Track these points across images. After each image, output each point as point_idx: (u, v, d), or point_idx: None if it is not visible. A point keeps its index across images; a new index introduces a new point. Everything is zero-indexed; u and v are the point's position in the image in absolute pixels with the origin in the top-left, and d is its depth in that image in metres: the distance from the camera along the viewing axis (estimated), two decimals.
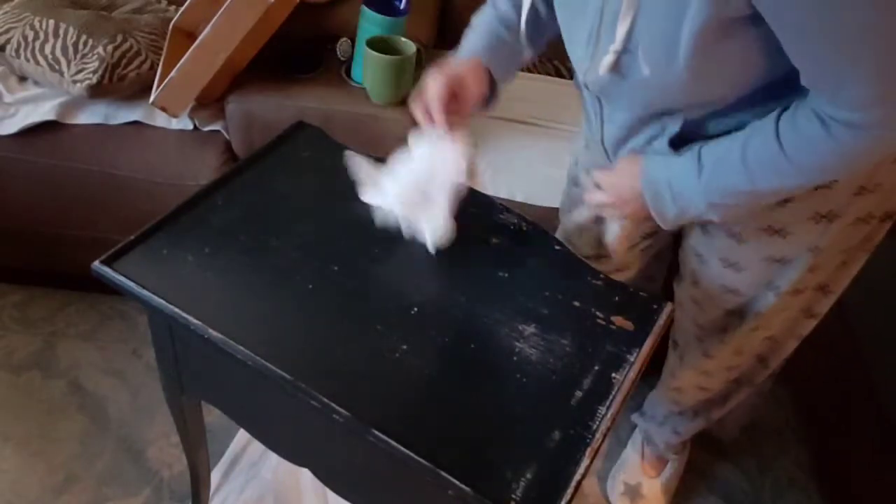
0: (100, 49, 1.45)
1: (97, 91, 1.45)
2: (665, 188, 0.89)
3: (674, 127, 0.89)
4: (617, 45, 0.80)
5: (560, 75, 1.80)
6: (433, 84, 0.93)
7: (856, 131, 0.75)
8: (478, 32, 1.02)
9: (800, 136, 0.79)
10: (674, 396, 1.33)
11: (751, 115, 0.84)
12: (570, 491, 0.75)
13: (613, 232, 1.12)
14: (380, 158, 1.05)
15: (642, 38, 0.78)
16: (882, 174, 0.90)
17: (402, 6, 1.51)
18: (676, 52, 0.76)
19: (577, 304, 0.94)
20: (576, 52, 0.91)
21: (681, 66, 0.77)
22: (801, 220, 0.94)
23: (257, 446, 1.44)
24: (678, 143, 0.90)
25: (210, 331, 0.84)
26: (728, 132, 0.86)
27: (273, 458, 1.41)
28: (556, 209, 1.33)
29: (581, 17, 0.86)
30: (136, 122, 1.52)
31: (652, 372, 1.39)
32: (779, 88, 0.81)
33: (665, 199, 0.90)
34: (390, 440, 0.77)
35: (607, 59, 0.82)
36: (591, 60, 0.87)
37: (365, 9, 1.48)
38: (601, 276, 0.98)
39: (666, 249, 1.26)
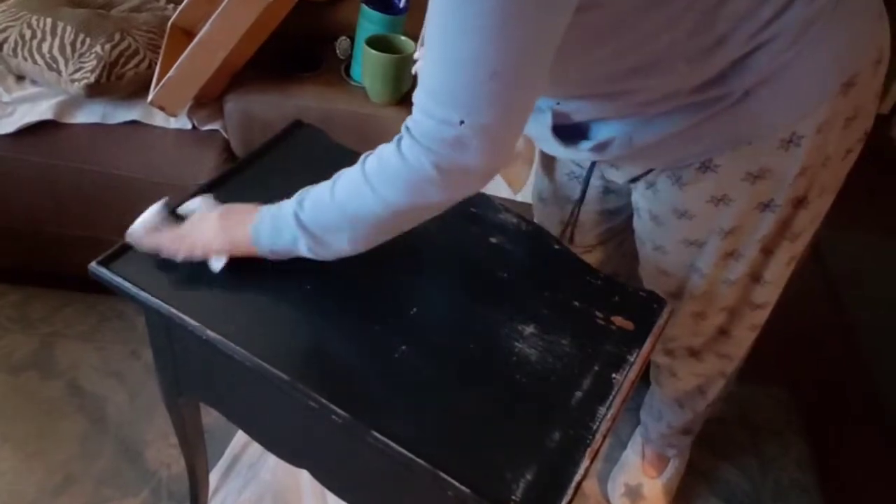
0: (98, 48, 1.44)
1: (95, 90, 1.44)
2: (267, 216, 0.88)
3: (546, 117, 0.94)
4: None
5: None
6: None
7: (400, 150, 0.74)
8: None
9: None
10: (653, 386, 1.37)
11: (598, 103, 0.90)
12: (570, 492, 0.75)
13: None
14: None
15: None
16: (767, 159, 0.90)
17: (401, 4, 1.51)
18: None
19: (576, 304, 0.94)
20: None
21: None
22: (701, 202, 0.96)
23: (256, 447, 1.44)
24: (561, 130, 0.95)
25: (208, 331, 0.84)
26: (591, 119, 0.92)
27: (272, 459, 1.41)
28: None
29: None
30: (134, 122, 1.51)
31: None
32: (612, 80, 0.85)
33: (264, 225, 0.87)
34: (390, 441, 0.76)
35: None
36: None
37: (364, 7, 1.48)
38: (601, 275, 0.98)
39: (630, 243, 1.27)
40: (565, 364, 0.86)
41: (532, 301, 0.93)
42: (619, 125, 0.91)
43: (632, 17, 0.76)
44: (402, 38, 1.47)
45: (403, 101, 1.50)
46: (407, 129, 0.74)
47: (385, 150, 0.77)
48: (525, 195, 1.47)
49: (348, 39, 1.59)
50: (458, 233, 1.02)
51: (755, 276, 1.06)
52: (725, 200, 0.95)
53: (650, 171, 0.99)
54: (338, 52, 1.59)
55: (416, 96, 0.73)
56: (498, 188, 1.48)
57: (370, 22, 1.47)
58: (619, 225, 1.21)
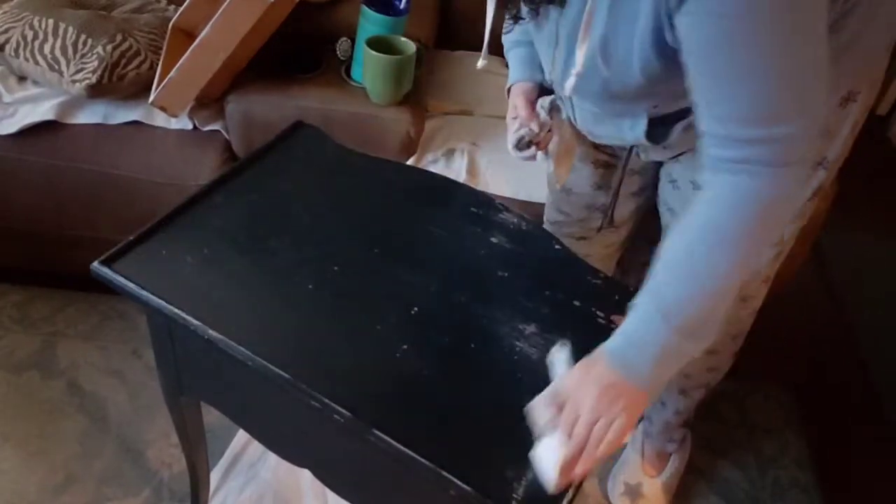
0: (99, 49, 1.44)
1: (96, 91, 1.45)
2: (625, 347, 0.79)
3: (642, 116, 0.94)
4: (578, 67, 0.84)
5: None
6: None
7: (750, 169, 0.73)
8: (511, 59, 1.11)
9: (705, 203, 0.77)
10: None
11: None
12: (570, 491, 0.75)
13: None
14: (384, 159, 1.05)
15: (601, 53, 0.83)
16: (828, 119, 0.94)
17: (401, 6, 1.51)
18: (631, 62, 0.81)
19: (577, 303, 0.94)
20: (542, 53, 0.99)
21: (636, 73, 0.82)
22: None
23: (257, 446, 1.44)
24: (650, 126, 0.95)
25: (209, 331, 0.84)
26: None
27: (272, 458, 1.41)
28: None
29: (542, 30, 0.94)
30: (135, 122, 1.51)
31: None
32: None
33: (631, 359, 0.78)
34: (391, 440, 0.77)
35: (570, 82, 0.86)
36: (553, 66, 0.94)
37: (365, 8, 1.48)
38: (601, 275, 0.98)
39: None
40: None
41: (532, 300, 0.93)
42: None
43: None
44: (403, 39, 1.47)
45: (404, 101, 1.50)
46: (762, 162, 0.73)
47: (749, 204, 0.74)
48: (527, 195, 1.47)
49: (349, 40, 1.59)
50: (459, 232, 1.02)
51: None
52: None
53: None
54: (338, 53, 1.60)
55: (748, 129, 0.72)
56: (498, 187, 1.48)
57: (371, 23, 1.48)
58: (643, 203, 1.24)
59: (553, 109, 1.06)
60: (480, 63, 0.98)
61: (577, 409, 0.76)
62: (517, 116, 1.06)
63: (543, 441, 0.77)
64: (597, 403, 0.76)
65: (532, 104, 1.06)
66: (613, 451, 0.77)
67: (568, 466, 0.75)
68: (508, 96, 1.10)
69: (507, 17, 0.95)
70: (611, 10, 0.79)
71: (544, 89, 1.08)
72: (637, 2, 0.76)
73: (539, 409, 0.78)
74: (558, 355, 0.84)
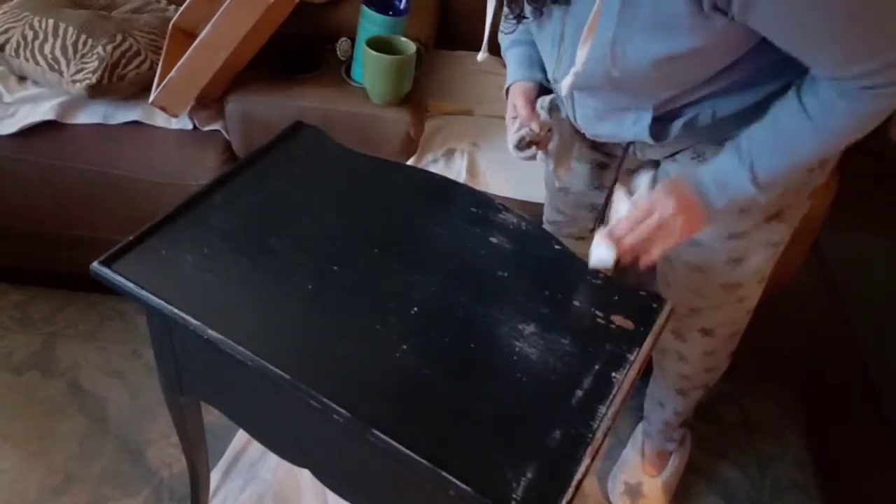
0: (99, 49, 1.44)
1: (97, 91, 1.45)
2: (711, 183, 0.92)
3: (647, 111, 0.94)
4: (577, 66, 0.85)
5: None
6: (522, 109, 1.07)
7: (875, 92, 0.80)
8: (508, 58, 1.12)
9: (823, 105, 0.83)
10: (655, 375, 1.37)
11: (719, 87, 0.90)
12: (570, 490, 0.75)
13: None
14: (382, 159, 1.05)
15: (610, 55, 0.84)
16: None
17: (401, 6, 1.51)
18: (643, 62, 0.83)
19: (577, 303, 0.94)
20: (544, 51, 0.99)
21: (648, 69, 0.83)
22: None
23: (257, 446, 1.44)
24: (653, 122, 0.95)
25: (209, 331, 0.84)
26: (697, 102, 0.93)
27: (272, 458, 1.41)
28: None
29: (544, 29, 0.94)
30: (135, 122, 1.51)
31: (649, 371, 1.39)
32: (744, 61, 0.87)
33: (711, 193, 0.92)
34: (390, 440, 0.77)
35: (568, 81, 0.88)
36: (557, 65, 0.95)
37: (365, 8, 1.48)
38: (601, 275, 0.98)
39: None
40: (566, 363, 0.86)
41: (532, 300, 0.93)
42: (707, 102, 0.94)
43: None
44: (403, 39, 1.47)
45: (404, 101, 1.50)
46: (882, 85, 0.78)
47: (868, 117, 0.83)
48: (527, 195, 1.47)
49: (349, 41, 1.59)
50: (459, 232, 1.02)
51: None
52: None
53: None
54: (338, 53, 1.60)
55: (859, 66, 0.77)
56: (498, 187, 1.48)
57: (371, 23, 1.48)
58: None
59: (553, 109, 1.06)
60: (481, 56, 0.98)
61: (653, 208, 0.93)
62: (517, 116, 1.06)
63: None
64: (675, 211, 0.92)
65: (532, 104, 1.06)
66: (665, 249, 0.94)
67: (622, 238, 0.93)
68: (507, 96, 1.10)
69: (510, 17, 0.95)
70: (620, 14, 0.79)
71: (543, 89, 1.08)
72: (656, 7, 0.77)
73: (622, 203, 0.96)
74: (620, 194, 0.99)
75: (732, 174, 0.90)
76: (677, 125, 0.95)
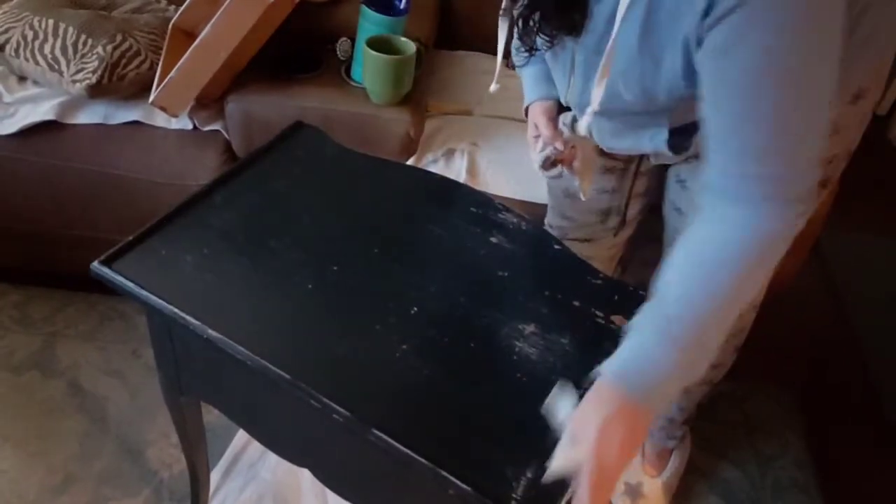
0: (99, 49, 1.44)
1: (97, 91, 1.45)
2: (634, 373, 0.78)
3: (664, 126, 0.93)
4: (595, 106, 0.86)
5: None
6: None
7: (745, 207, 0.76)
8: (525, 77, 1.11)
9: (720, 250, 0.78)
10: None
11: None
12: (570, 490, 0.75)
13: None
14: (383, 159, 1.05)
15: (623, 84, 0.84)
16: (839, 118, 0.95)
17: (401, 6, 1.51)
18: (655, 92, 0.83)
19: (576, 303, 0.94)
20: (556, 77, 0.99)
21: (662, 100, 0.84)
22: None
23: (257, 446, 1.44)
24: (672, 137, 0.94)
25: (209, 331, 0.84)
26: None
27: (272, 458, 1.41)
28: None
29: (557, 58, 0.94)
30: (135, 122, 1.52)
31: None
32: None
33: (637, 379, 0.77)
34: (390, 440, 0.77)
35: (585, 120, 0.89)
36: (568, 92, 0.96)
37: (365, 8, 1.48)
38: (601, 275, 0.98)
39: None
40: (565, 363, 0.86)
41: (532, 300, 0.93)
42: None
43: None
44: (403, 39, 1.47)
45: (404, 101, 1.50)
46: (766, 197, 0.75)
47: (752, 234, 0.76)
48: (527, 195, 1.47)
49: (349, 40, 1.59)
50: (459, 232, 1.02)
51: None
52: None
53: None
54: (338, 53, 1.60)
55: (758, 166, 0.74)
56: (498, 187, 1.48)
57: (371, 23, 1.48)
58: (647, 203, 1.25)
59: (574, 125, 1.06)
60: (493, 88, 0.99)
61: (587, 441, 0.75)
62: (539, 135, 1.06)
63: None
64: (600, 435, 0.74)
65: (554, 122, 1.05)
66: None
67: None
68: (526, 115, 1.10)
69: (521, 49, 0.95)
70: (637, 50, 0.79)
71: (563, 105, 1.07)
72: (661, 44, 0.77)
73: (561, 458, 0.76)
74: (559, 399, 0.81)
75: (650, 347, 0.77)
76: (697, 136, 0.93)
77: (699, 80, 0.75)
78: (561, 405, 0.80)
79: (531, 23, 0.86)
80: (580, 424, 0.76)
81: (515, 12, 0.87)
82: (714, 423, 1.62)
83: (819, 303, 1.81)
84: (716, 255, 0.77)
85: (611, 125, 0.98)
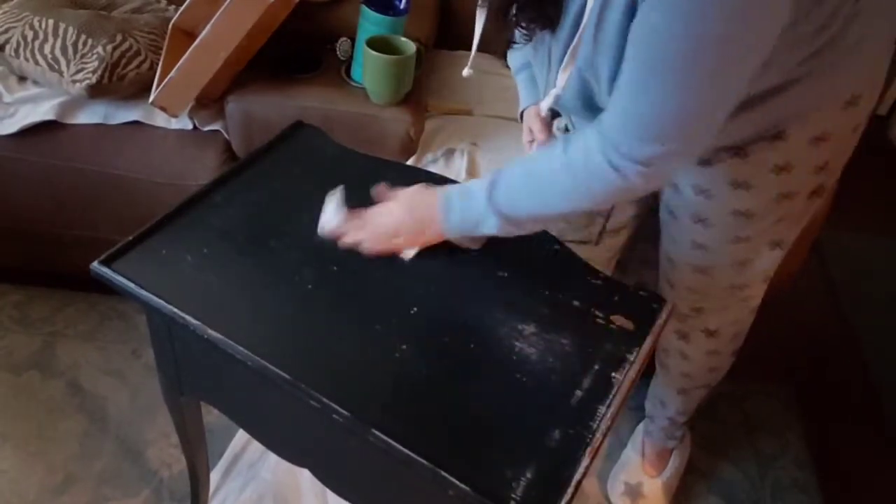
0: (99, 49, 1.44)
1: (97, 91, 1.45)
2: (456, 198, 0.91)
3: None
4: (557, 90, 0.88)
5: None
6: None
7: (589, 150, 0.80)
8: (520, 82, 1.13)
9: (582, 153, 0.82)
10: (658, 367, 1.37)
11: None
12: (570, 490, 0.75)
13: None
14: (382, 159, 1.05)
15: (590, 71, 0.85)
16: (830, 124, 0.94)
17: (401, 6, 1.51)
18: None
19: (576, 303, 0.94)
20: (538, 76, 1.01)
21: None
22: (763, 172, 0.99)
23: (257, 446, 1.44)
24: None
25: (209, 330, 0.84)
26: None
27: (272, 458, 1.41)
28: None
29: (538, 53, 0.96)
30: (135, 122, 1.52)
31: (652, 370, 1.39)
32: None
33: (454, 206, 0.91)
34: (390, 440, 0.77)
35: (546, 101, 0.91)
36: (547, 86, 0.96)
37: (365, 8, 1.48)
38: (601, 275, 0.98)
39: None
40: (565, 363, 0.86)
41: (532, 301, 0.93)
42: None
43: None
44: (403, 39, 1.47)
45: (403, 101, 1.50)
46: (615, 146, 0.78)
47: (593, 155, 0.80)
48: None
49: (349, 40, 1.59)
50: None
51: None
52: (788, 169, 0.98)
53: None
54: (338, 53, 1.60)
55: (625, 122, 0.77)
56: None
57: (371, 23, 1.48)
58: (642, 206, 1.25)
59: (568, 129, 1.07)
60: (466, 72, 1.00)
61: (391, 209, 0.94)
62: (533, 140, 1.07)
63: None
64: (406, 216, 0.93)
65: (548, 127, 1.06)
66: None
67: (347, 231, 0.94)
68: (521, 120, 1.11)
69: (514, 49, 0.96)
70: (595, 42, 0.80)
71: (557, 111, 1.08)
72: (614, 27, 0.77)
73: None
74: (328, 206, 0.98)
75: (476, 202, 0.89)
76: None
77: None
78: (328, 209, 0.97)
79: (509, 15, 0.88)
80: (391, 194, 0.95)
81: (494, 3, 0.89)
82: (714, 423, 1.62)
83: (819, 303, 1.82)
84: (559, 172, 0.84)
85: (583, 124, 0.99)
